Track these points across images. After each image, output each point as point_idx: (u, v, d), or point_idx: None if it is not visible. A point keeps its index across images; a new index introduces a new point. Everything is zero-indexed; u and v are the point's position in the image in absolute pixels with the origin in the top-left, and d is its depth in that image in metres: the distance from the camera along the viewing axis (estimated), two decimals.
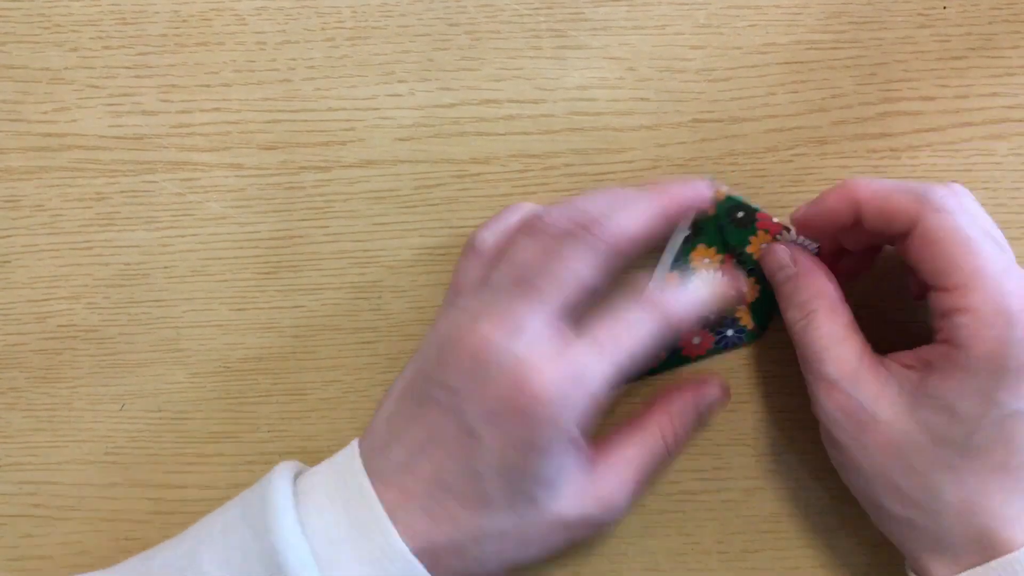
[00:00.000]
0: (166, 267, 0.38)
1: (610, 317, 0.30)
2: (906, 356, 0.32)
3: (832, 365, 0.32)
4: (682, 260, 0.35)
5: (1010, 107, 0.38)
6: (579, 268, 0.30)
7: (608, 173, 0.38)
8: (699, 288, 0.32)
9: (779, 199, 0.38)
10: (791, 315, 0.33)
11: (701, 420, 0.35)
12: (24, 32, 0.38)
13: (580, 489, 0.31)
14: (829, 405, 0.32)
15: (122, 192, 0.38)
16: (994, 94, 0.38)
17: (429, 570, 0.30)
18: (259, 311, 0.38)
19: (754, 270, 0.36)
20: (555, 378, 0.29)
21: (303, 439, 0.38)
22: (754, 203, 0.34)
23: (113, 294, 0.38)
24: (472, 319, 0.30)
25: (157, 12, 0.38)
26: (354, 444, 0.32)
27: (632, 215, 0.31)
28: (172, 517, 0.38)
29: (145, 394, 0.38)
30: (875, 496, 0.32)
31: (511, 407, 0.29)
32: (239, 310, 0.38)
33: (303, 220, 0.38)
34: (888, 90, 0.38)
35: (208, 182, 0.38)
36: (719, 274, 0.34)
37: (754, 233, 0.35)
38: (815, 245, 0.34)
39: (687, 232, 0.35)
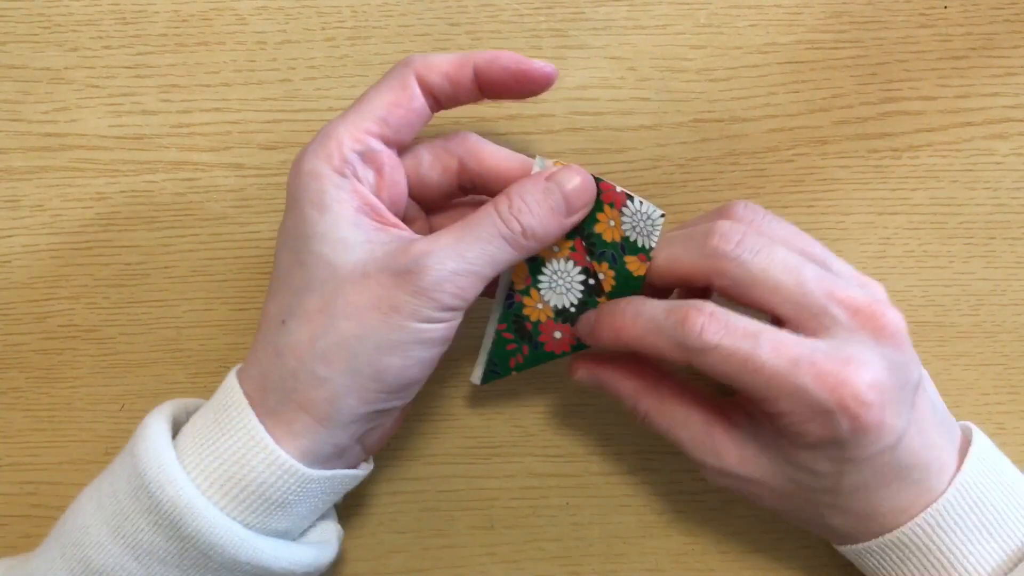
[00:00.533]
0: (166, 267, 0.38)
1: None
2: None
3: (690, 451, 0.33)
4: None
5: (1011, 107, 0.38)
6: (381, 89, 0.31)
7: (608, 173, 0.38)
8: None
9: (779, 199, 0.38)
10: (633, 415, 0.34)
11: (564, 205, 0.31)
12: (24, 32, 0.38)
13: (383, 243, 0.30)
14: (709, 477, 0.33)
15: (122, 192, 0.38)
16: (995, 94, 0.38)
17: (256, 388, 0.30)
18: (259, 311, 0.38)
19: (604, 254, 0.33)
20: (309, 144, 0.31)
21: None
22: (595, 175, 0.32)
23: (113, 294, 0.38)
24: None
25: (157, 12, 0.38)
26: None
27: (443, 56, 0.32)
28: None
29: (145, 394, 0.38)
30: (775, 512, 0.34)
31: (288, 186, 0.31)
32: (239, 310, 0.38)
33: None
34: (889, 90, 0.38)
35: (208, 182, 0.38)
36: (571, 263, 0.33)
37: (600, 209, 0.32)
38: (659, 212, 0.32)
39: None
